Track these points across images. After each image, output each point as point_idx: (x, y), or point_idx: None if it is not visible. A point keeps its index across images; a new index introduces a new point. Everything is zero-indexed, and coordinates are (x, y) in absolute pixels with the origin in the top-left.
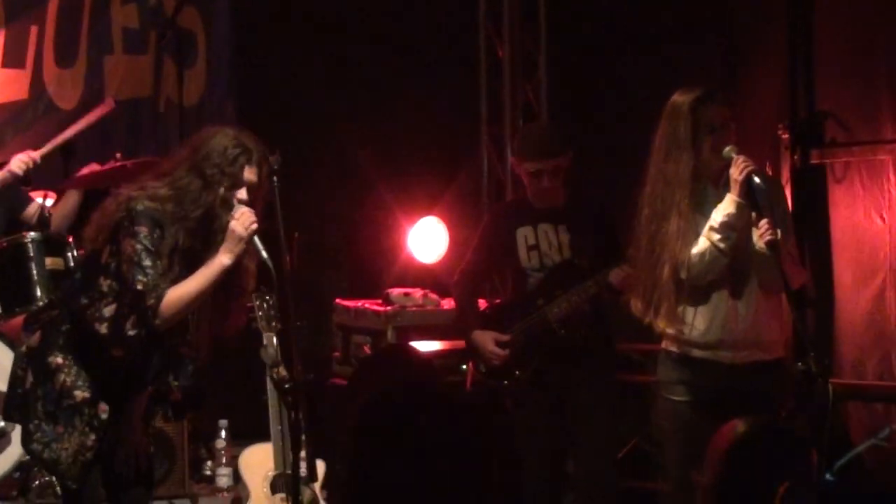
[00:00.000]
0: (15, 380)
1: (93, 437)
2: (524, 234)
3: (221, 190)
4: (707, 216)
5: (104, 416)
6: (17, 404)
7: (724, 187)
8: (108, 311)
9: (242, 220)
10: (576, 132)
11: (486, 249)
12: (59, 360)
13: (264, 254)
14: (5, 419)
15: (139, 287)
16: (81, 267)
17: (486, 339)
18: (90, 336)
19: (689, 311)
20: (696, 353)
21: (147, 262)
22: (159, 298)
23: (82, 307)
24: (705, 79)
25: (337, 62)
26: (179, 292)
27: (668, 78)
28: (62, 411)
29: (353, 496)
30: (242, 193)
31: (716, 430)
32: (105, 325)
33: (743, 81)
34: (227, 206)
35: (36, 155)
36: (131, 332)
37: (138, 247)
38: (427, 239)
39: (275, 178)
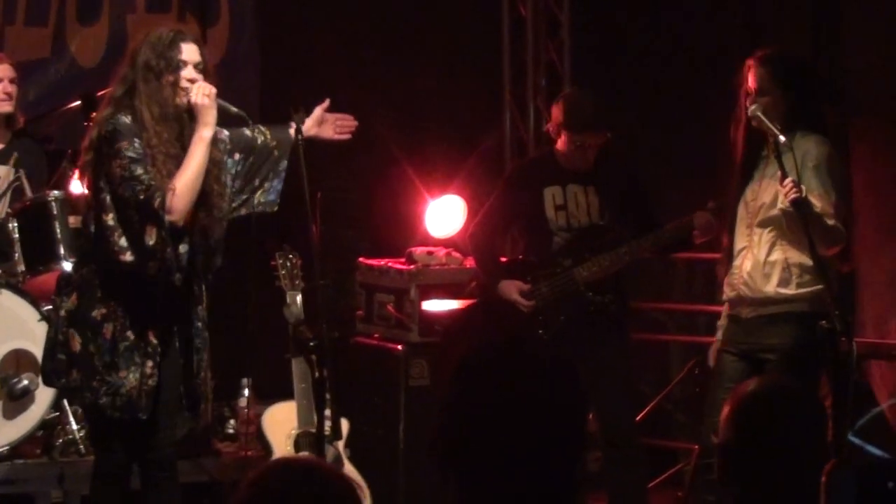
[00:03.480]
0: (55, 345)
1: (150, 363)
2: (552, 193)
3: (170, 77)
4: (756, 175)
5: (155, 341)
6: (59, 369)
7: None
8: (123, 240)
9: (199, 90)
10: (598, 92)
11: (508, 205)
12: (103, 311)
13: (234, 109)
14: (46, 384)
15: (141, 197)
16: (92, 220)
17: (512, 289)
18: (123, 275)
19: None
20: (727, 308)
21: (138, 171)
22: (163, 196)
23: (104, 253)
24: (727, 38)
25: (359, 21)
26: (180, 181)
27: (689, 38)
28: (121, 356)
29: (448, 441)
30: (188, 72)
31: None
32: (128, 253)
33: (766, 41)
34: (180, 89)
35: None
36: (151, 242)
37: (124, 162)
38: (445, 216)
39: (300, 137)
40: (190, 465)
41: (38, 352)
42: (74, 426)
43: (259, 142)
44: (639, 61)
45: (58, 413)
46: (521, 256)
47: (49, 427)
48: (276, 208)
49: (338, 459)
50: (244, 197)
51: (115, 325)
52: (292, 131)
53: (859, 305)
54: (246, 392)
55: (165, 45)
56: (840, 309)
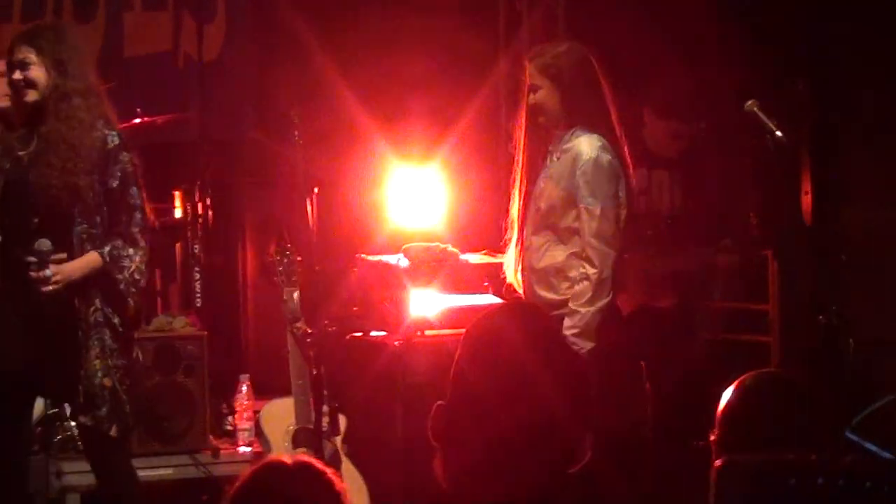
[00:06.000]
0: None
1: None
2: None
3: None
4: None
5: None
6: None
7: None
8: None
9: None
10: None
11: None
12: None
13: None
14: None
15: None
16: None
17: None
18: None
19: None
20: None
21: None
22: None
23: None
24: (727, 37)
25: (355, 16)
26: None
27: (687, 32)
28: None
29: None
30: None
31: None
32: None
33: (766, 40)
34: None
35: None
36: None
37: None
38: (411, 196)
39: (296, 133)
40: (187, 461)
41: None
42: (73, 423)
43: None
44: (635, 58)
45: (56, 409)
46: None
47: (47, 424)
48: None
49: (335, 455)
50: None
51: None
52: None
53: (857, 301)
54: (244, 388)
55: None
56: (837, 305)
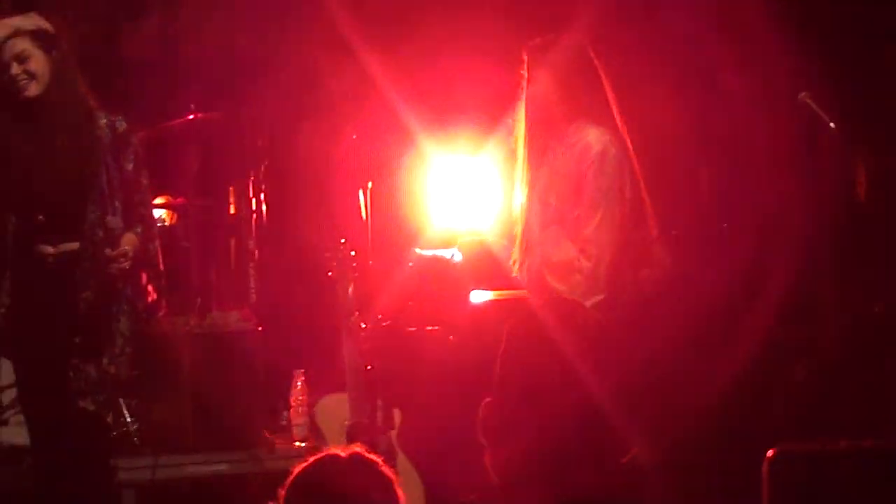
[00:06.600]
0: None
1: None
2: None
3: None
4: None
5: None
6: None
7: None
8: None
9: None
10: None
11: None
12: None
13: None
14: None
15: None
16: None
17: None
18: None
19: None
20: None
21: None
22: None
23: None
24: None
25: (407, 12)
26: None
27: (727, 23)
28: None
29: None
30: None
31: None
32: None
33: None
34: None
35: None
36: None
37: None
38: (465, 190)
39: (350, 128)
40: (243, 456)
41: None
42: (128, 419)
43: None
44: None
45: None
46: None
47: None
48: None
49: (390, 450)
50: None
51: None
52: None
53: None
54: (298, 383)
55: None
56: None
